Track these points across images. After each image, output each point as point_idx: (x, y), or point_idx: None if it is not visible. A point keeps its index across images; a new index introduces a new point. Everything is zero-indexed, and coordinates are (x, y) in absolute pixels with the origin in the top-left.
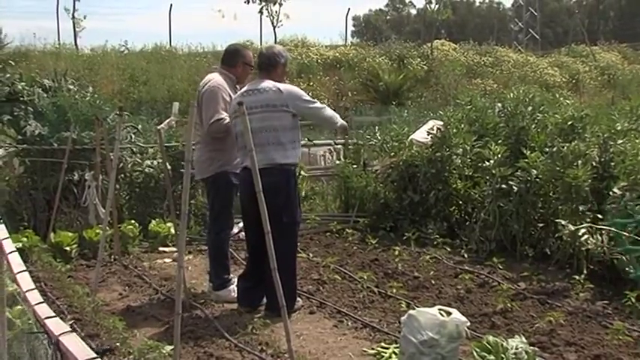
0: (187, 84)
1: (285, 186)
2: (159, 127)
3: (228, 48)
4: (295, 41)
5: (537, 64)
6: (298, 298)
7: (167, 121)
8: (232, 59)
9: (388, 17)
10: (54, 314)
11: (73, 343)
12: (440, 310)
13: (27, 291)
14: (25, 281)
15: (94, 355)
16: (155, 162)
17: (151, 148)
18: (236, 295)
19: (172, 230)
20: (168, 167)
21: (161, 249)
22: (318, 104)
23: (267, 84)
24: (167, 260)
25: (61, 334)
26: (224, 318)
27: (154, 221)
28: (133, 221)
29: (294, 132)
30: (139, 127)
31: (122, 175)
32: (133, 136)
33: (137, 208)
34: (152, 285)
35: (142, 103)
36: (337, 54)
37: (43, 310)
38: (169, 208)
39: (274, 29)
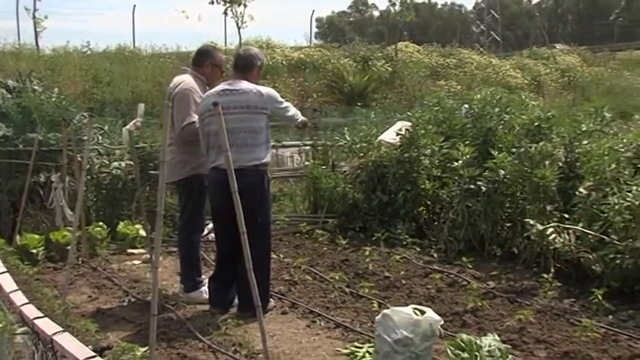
0: (151, 85)
1: (260, 186)
2: (125, 128)
3: (199, 48)
4: (260, 42)
5: (500, 66)
6: (271, 299)
7: (133, 122)
8: (200, 60)
9: (351, 19)
10: (42, 314)
11: (69, 342)
12: (414, 309)
13: (10, 292)
14: (7, 283)
15: (93, 354)
16: (123, 163)
17: (118, 149)
18: (208, 297)
19: (141, 232)
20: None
21: (130, 251)
22: (286, 104)
23: (247, 85)
24: (136, 262)
25: (54, 334)
26: (196, 319)
27: (122, 223)
28: (100, 223)
29: (268, 133)
30: (106, 128)
31: (89, 177)
32: (100, 137)
33: (105, 209)
34: (122, 287)
35: (106, 104)
36: (302, 55)
37: (31, 311)
38: (139, 210)
39: (239, 30)
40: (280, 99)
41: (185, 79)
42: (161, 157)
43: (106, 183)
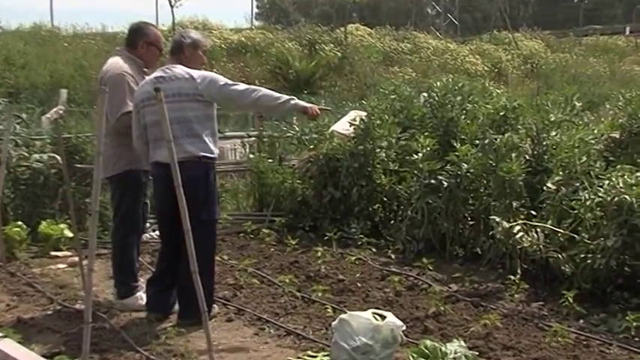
0: (73, 69)
1: (205, 180)
2: (45, 117)
3: (130, 26)
4: (195, 23)
5: (458, 51)
6: (214, 305)
7: (54, 109)
8: (134, 39)
9: None
10: None
11: (13, 348)
12: (374, 313)
13: None
14: None
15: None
16: (44, 156)
17: (39, 140)
18: (144, 303)
19: (66, 232)
20: (60, 161)
21: (53, 253)
22: (239, 86)
23: (179, 70)
24: (61, 266)
25: None
26: (132, 328)
27: (44, 222)
28: (19, 223)
29: (211, 123)
30: (24, 116)
31: (5, 171)
32: (18, 126)
33: (24, 207)
34: (46, 294)
35: (21, 89)
36: (242, 38)
37: None
38: (64, 208)
39: (172, 9)
40: (223, 80)
41: (116, 62)
42: (98, 147)
43: (25, 178)
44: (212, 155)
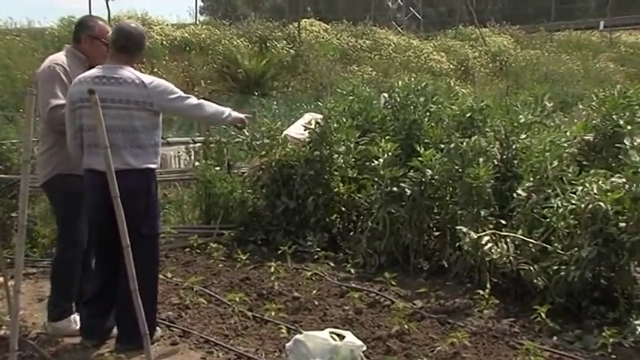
0: None
1: (146, 192)
2: None
3: (77, 20)
4: (134, 17)
5: (421, 48)
6: (157, 327)
7: None
8: (77, 33)
9: None
10: None
11: None
12: (331, 333)
13: None
14: None
15: None
16: None
17: None
18: (78, 327)
19: None
20: None
21: None
22: (192, 100)
23: (127, 73)
24: None
25: None
26: (65, 355)
27: None
28: None
29: (157, 132)
30: None
31: None
32: None
33: None
34: None
35: None
36: (186, 34)
37: None
38: None
39: (107, 3)
40: (175, 92)
41: (54, 57)
42: (25, 155)
43: None
44: (154, 166)
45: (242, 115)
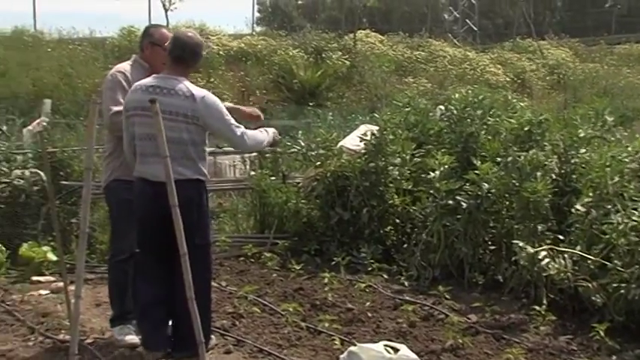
0: (58, 77)
1: (198, 202)
2: (27, 129)
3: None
4: (191, 28)
5: (477, 60)
6: (212, 336)
7: (37, 121)
8: (140, 42)
9: (300, 2)
10: None
11: None
12: (385, 346)
13: None
14: None
15: None
16: (26, 172)
17: (20, 154)
18: (134, 335)
19: (50, 255)
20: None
21: (35, 278)
22: (237, 130)
23: (180, 85)
24: (44, 292)
25: None
26: None
27: (25, 244)
28: None
29: (204, 148)
30: (4, 128)
31: None
32: None
33: (3, 228)
34: (26, 323)
35: (0, 99)
36: (243, 45)
37: None
38: (49, 229)
39: (166, 13)
40: (222, 110)
41: (119, 65)
42: (87, 162)
43: (5, 196)
44: (204, 178)
45: (273, 133)
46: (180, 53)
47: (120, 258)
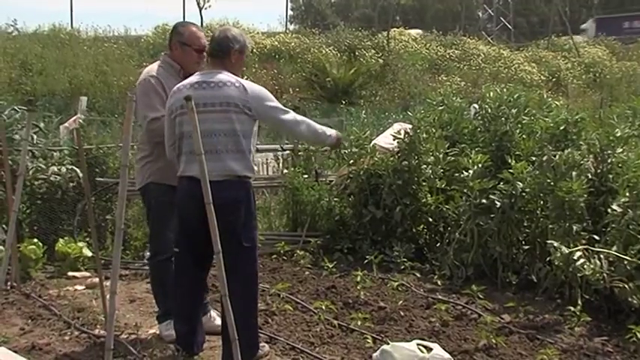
0: (94, 75)
1: (247, 202)
2: (64, 126)
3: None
4: (225, 26)
5: (511, 58)
6: (264, 343)
7: (73, 118)
8: (169, 41)
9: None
10: None
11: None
12: (418, 345)
13: None
14: None
15: None
16: (63, 168)
17: (56, 151)
18: (173, 334)
19: (85, 251)
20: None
21: (71, 274)
22: (291, 115)
23: (227, 77)
24: (79, 287)
25: None
26: (158, 356)
27: (61, 240)
28: (35, 240)
29: (254, 140)
30: (41, 125)
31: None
32: (35, 136)
33: (40, 224)
34: (62, 317)
35: (38, 96)
36: (276, 42)
37: None
38: (85, 225)
39: (200, 11)
40: (275, 103)
41: (149, 67)
42: (124, 160)
43: (41, 192)
44: (252, 174)
45: (339, 135)
46: (217, 48)
47: (161, 258)
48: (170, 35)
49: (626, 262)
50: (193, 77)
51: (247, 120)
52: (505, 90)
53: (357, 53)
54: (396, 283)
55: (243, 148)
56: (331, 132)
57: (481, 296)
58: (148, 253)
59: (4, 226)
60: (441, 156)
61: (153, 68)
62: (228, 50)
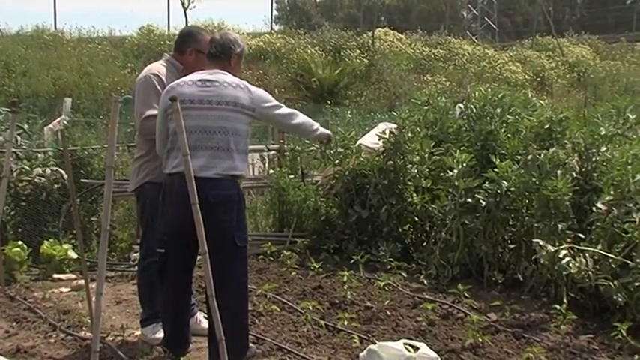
0: (78, 76)
1: (238, 200)
2: (48, 127)
3: (181, 31)
4: (210, 27)
5: (496, 58)
6: (251, 344)
7: (58, 120)
8: (182, 44)
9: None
10: None
11: None
12: (405, 344)
13: None
14: None
15: None
16: (47, 170)
17: (41, 153)
18: (161, 337)
19: (71, 253)
20: (65, 176)
21: (57, 276)
22: (285, 109)
23: (231, 78)
24: (65, 289)
25: None
26: (144, 358)
27: (46, 242)
28: (19, 242)
29: (247, 141)
30: (25, 127)
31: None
32: (19, 138)
33: (25, 226)
34: (48, 320)
35: (22, 97)
36: (261, 43)
37: None
38: (70, 227)
39: (185, 12)
40: (273, 101)
41: (152, 65)
42: (108, 162)
43: (26, 194)
44: (244, 175)
45: (329, 132)
46: (220, 50)
47: (152, 259)
48: (183, 39)
49: (610, 260)
50: (194, 75)
51: (246, 120)
52: (490, 89)
53: (342, 53)
54: (383, 283)
55: (240, 148)
56: (320, 126)
57: (467, 295)
58: (135, 255)
59: None
60: (426, 155)
61: (157, 67)
62: (230, 53)
